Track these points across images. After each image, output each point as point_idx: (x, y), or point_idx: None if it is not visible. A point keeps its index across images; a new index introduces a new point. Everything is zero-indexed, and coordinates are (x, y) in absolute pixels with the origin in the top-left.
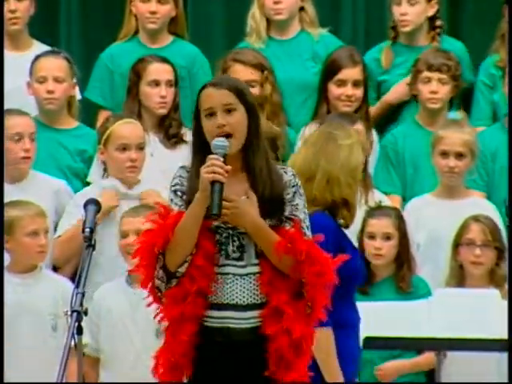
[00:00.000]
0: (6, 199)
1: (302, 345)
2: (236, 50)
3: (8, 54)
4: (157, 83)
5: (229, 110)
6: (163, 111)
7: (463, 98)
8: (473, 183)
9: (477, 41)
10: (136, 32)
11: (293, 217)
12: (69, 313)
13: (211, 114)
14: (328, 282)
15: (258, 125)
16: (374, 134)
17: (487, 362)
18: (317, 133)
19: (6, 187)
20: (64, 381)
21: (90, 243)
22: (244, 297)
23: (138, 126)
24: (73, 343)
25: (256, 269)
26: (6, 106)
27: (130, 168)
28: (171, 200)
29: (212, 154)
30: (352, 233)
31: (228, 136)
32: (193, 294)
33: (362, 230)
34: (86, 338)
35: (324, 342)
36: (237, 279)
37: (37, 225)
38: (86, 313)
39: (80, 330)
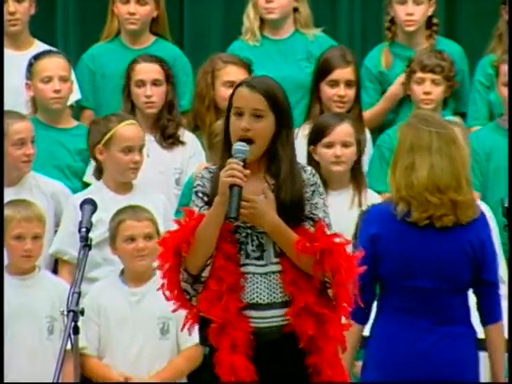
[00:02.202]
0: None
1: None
2: (217, 54)
3: (9, 53)
4: (143, 83)
5: (257, 116)
6: (151, 111)
7: (456, 99)
8: None
9: (473, 40)
10: (118, 33)
11: (312, 215)
12: (65, 313)
13: (240, 113)
14: (352, 279)
15: (287, 131)
16: (368, 134)
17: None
18: (434, 136)
19: (6, 190)
20: (60, 381)
21: (86, 243)
22: (265, 296)
23: (138, 127)
24: (69, 344)
25: (277, 267)
26: (9, 105)
27: (133, 170)
28: (193, 201)
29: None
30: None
31: (250, 142)
32: (226, 292)
33: (356, 234)
34: (84, 341)
35: (503, 334)
36: (257, 278)
37: (22, 229)
38: (82, 313)
39: (76, 330)
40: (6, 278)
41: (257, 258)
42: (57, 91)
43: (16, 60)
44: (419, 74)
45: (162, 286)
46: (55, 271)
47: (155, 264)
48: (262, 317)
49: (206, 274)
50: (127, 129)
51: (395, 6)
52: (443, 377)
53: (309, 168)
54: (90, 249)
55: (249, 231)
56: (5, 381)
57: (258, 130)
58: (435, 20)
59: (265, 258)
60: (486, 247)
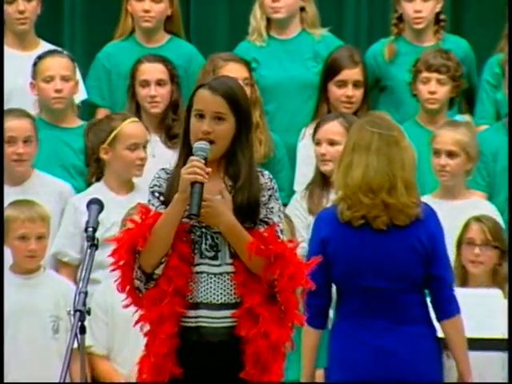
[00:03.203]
0: (11, 200)
1: (279, 347)
2: (217, 53)
3: (15, 53)
4: (147, 83)
5: (218, 118)
6: (156, 110)
7: (466, 97)
8: (474, 184)
9: (479, 40)
10: (132, 31)
11: (267, 220)
12: (72, 312)
13: (201, 115)
14: (300, 285)
15: (247, 134)
16: None
17: (492, 361)
18: (375, 137)
19: (11, 189)
20: (67, 381)
21: (92, 243)
22: (218, 296)
23: (141, 124)
24: (76, 343)
25: (231, 268)
26: (14, 105)
27: (138, 166)
28: (149, 201)
29: (193, 155)
30: None
31: (210, 142)
32: (170, 294)
33: None
34: (89, 340)
35: (461, 329)
36: (211, 278)
37: (26, 229)
38: (89, 312)
39: (83, 330)
40: (11, 277)
41: (211, 258)
42: (58, 91)
43: (22, 60)
44: (425, 74)
45: (116, 281)
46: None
47: None
48: (214, 317)
49: (159, 271)
50: (131, 126)
51: (403, 3)
52: (403, 376)
53: (266, 172)
54: (96, 248)
55: (203, 230)
56: (9, 380)
57: (219, 132)
58: (443, 16)
59: (219, 258)
60: (436, 243)
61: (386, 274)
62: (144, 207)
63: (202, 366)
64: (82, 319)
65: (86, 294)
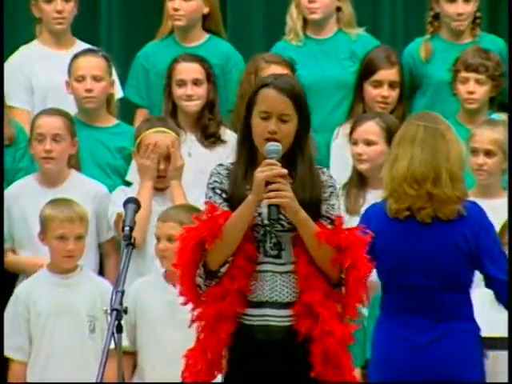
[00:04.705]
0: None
1: (345, 344)
2: (260, 54)
3: (51, 52)
4: (183, 82)
5: (284, 119)
6: (193, 109)
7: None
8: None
9: None
10: (172, 31)
11: (329, 215)
12: (108, 311)
13: (266, 116)
14: (366, 274)
15: (307, 133)
16: None
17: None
18: (420, 129)
19: (48, 189)
20: (103, 381)
21: (129, 242)
22: (284, 294)
23: (167, 136)
24: (112, 342)
25: (295, 267)
26: (51, 103)
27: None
28: (210, 197)
29: (259, 156)
30: None
31: (276, 141)
32: (232, 293)
33: None
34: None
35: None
36: (276, 276)
37: (64, 229)
38: (125, 311)
39: (120, 329)
40: (48, 276)
41: (275, 257)
42: (88, 90)
43: (57, 58)
44: (463, 74)
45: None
46: (101, 266)
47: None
48: (281, 315)
49: (224, 269)
50: (153, 136)
51: (443, 3)
52: (442, 374)
53: (326, 170)
54: (133, 247)
55: (267, 229)
56: (45, 380)
57: (285, 132)
58: (478, 14)
59: (283, 256)
60: (485, 241)
61: (425, 272)
62: (211, 205)
63: (265, 363)
64: (118, 318)
65: (122, 293)
